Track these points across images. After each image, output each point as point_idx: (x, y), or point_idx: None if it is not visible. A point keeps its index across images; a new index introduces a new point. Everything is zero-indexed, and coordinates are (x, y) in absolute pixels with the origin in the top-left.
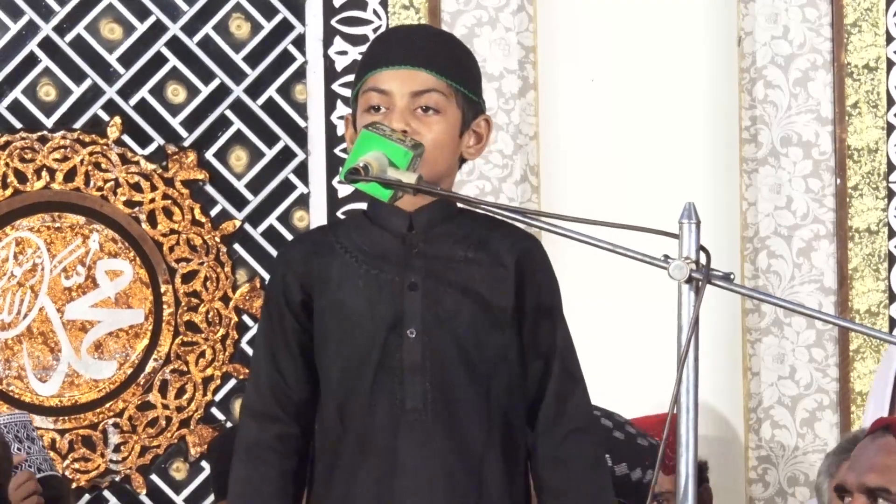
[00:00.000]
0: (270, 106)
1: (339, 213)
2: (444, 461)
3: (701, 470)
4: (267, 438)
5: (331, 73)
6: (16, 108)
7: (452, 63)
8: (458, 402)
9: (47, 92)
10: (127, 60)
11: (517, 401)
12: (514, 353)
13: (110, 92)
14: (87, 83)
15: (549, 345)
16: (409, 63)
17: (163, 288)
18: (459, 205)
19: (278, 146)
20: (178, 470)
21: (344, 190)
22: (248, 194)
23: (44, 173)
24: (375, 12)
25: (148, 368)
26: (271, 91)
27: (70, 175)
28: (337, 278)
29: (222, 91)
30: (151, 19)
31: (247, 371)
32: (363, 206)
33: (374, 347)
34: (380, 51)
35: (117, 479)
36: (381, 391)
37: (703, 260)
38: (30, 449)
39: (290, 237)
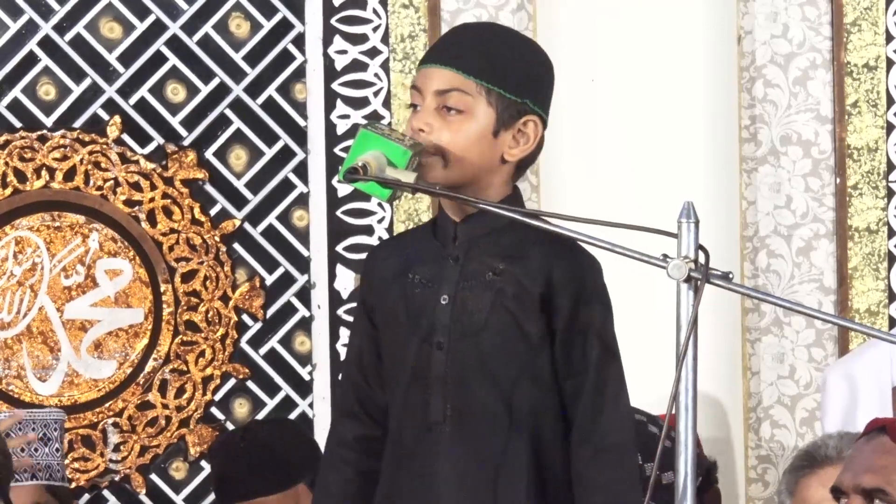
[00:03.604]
0: (270, 105)
1: (338, 213)
2: (465, 473)
3: (709, 472)
4: (349, 438)
5: (330, 72)
6: (15, 107)
7: (486, 62)
8: (479, 415)
9: (47, 91)
10: (126, 59)
11: (548, 416)
12: (546, 369)
13: (110, 91)
14: (86, 82)
15: (582, 360)
16: (438, 61)
17: (162, 287)
18: (514, 216)
19: (278, 145)
20: (178, 469)
21: (343, 189)
22: (247, 193)
23: (43, 172)
24: (375, 11)
25: (147, 368)
26: (271, 90)
27: (70, 174)
28: (388, 287)
29: (222, 90)
30: (151, 18)
31: (246, 371)
32: (363, 204)
33: (408, 357)
34: (429, 48)
35: (117, 478)
36: (411, 399)
37: (701, 259)
38: (36, 451)
39: (289, 236)
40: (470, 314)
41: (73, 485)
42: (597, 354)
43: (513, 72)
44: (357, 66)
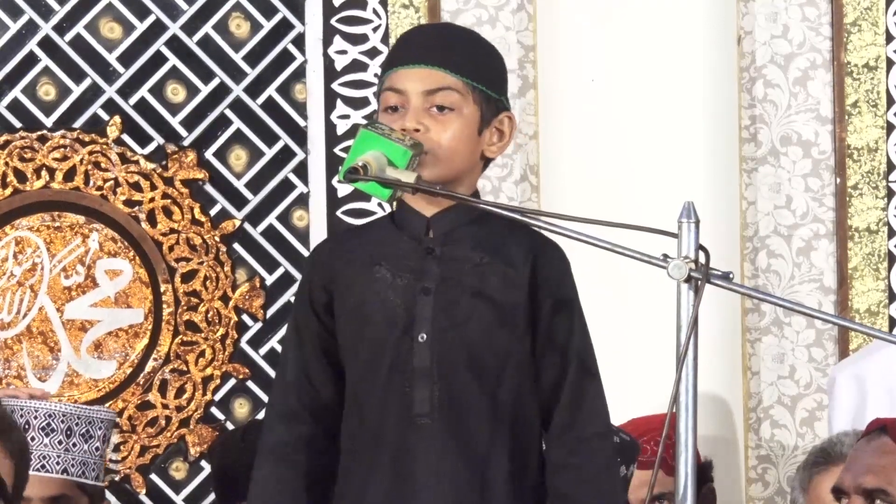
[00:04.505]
0: (270, 105)
1: (338, 213)
2: (450, 465)
3: (705, 470)
4: (291, 439)
5: (330, 73)
6: (15, 107)
7: (469, 60)
8: (466, 407)
9: (47, 91)
10: (127, 60)
11: (529, 405)
12: (528, 359)
13: (110, 91)
14: (86, 82)
15: (563, 350)
16: (423, 62)
17: (162, 287)
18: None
19: (278, 145)
20: (178, 469)
21: (344, 189)
22: (247, 194)
23: (43, 173)
24: (375, 11)
25: (147, 368)
26: (271, 90)
27: (70, 174)
28: (355, 280)
29: (222, 90)
30: (151, 18)
31: (246, 371)
32: (363, 205)
33: (386, 350)
34: (398, 50)
35: (117, 478)
36: (392, 393)
37: (702, 259)
38: (74, 446)
39: (289, 236)
40: (453, 305)
41: None
42: (579, 341)
43: (490, 70)
44: (357, 66)
